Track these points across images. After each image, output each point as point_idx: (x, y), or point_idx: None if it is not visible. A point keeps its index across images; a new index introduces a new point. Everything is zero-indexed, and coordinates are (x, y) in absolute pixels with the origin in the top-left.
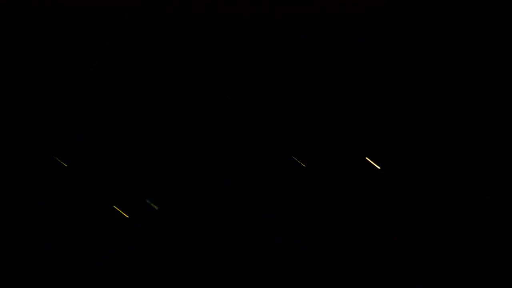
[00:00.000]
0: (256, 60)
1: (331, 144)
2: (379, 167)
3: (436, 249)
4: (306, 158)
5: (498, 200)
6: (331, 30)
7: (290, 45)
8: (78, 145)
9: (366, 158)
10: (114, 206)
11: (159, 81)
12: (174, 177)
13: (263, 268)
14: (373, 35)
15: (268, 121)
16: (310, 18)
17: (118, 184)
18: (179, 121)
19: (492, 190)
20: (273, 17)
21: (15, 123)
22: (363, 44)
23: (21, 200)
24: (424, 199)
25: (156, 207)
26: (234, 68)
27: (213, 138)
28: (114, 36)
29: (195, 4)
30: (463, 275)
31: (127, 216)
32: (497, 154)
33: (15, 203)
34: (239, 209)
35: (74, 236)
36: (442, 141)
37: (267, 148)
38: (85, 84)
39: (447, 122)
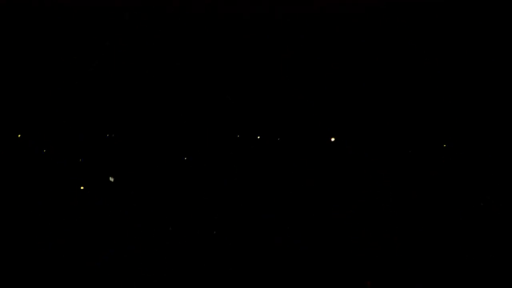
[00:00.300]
0: (256, 60)
1: (330, 143)
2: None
3: (436, 248)
4: (306, 157)
5: (498, 200)
6: (331, 30)
7: (290, 45)
8: (78, 145)
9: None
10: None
11: (159, 81)
12: (174, 176)
13: (263, 268)
14: (373, 35)
15: (267, 121)
16: (310, 18)
17: (117, 184)
18: (179, 121)
19: (492, 191)
20: (273, 17)
21: (15, 123)
22: (363, 44)
23: (21, 200)
24: (424, 199)
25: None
26: (234, 68)
27: (213, 138)
28: (114, 36)
29: (195, 4)
30: (463, 275)
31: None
32: (497, 154)
33: (15, 203)
34: (239, 209)
35: (74, 236)
36: (442, 141)
37: (266, 148)
38: (85, 84)
39: (447, 122)
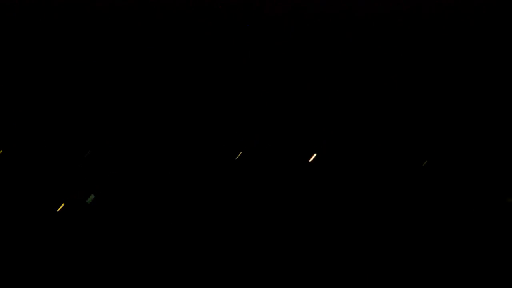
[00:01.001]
0: (256, 60)
1: (330, 144)
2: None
3: (435, 249)
4: (306, 158)
5: (497, 201)
6: (331, 30)
7: (288, 45)
8: (78, 145)
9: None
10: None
11: (159, 81)
12: (173, 176)
13: (263, 268)
14: (373, 35)
15: (267, 121)
16: (309, 18)
17: (118, 184)
18: (178, 121)
19: (491, 191)
20: (274, 16)
21: (14, 123)
22: (363, 44)
23: (20, 200)
24: (423, 200)
25: (91, 199)
26: (233, 68)
27: (213, 137)
28: (114, 36)
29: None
30: (463, 274)
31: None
32: (496, 155)
33: (14, 203)
34: (239, 209)
35: (74, 236)
36: (441, 141)
37: (267, 148)
38: (85, 84)
39: (447, 123)
